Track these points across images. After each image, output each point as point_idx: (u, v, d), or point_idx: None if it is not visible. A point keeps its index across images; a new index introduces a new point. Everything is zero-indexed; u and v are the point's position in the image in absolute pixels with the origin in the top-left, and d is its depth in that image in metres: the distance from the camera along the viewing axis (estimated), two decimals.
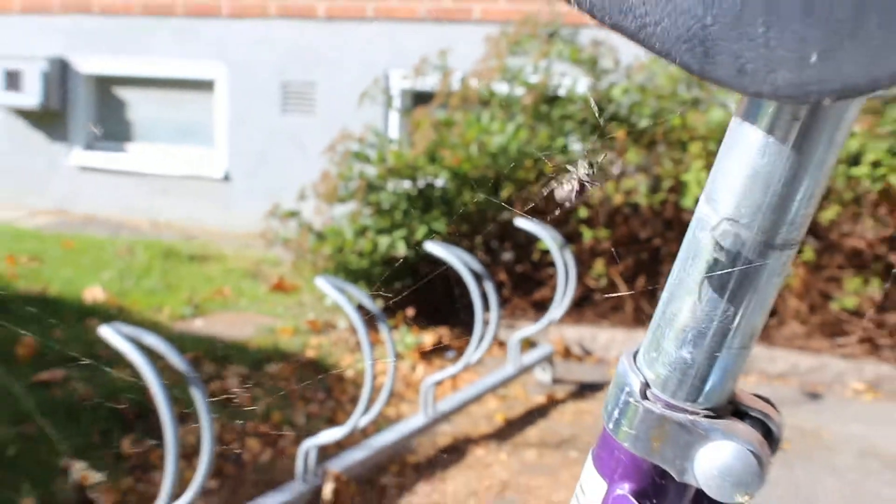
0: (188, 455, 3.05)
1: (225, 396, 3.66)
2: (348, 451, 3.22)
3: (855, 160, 4.33)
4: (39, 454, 3.12)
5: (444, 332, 4.66)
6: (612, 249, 4.80)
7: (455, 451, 3.53)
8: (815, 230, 4.47)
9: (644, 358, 0.55)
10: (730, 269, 0.49)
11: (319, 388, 4.02)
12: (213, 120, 7.34)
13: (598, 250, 4.82)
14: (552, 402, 4.09)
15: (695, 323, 0.51)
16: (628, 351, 0.57)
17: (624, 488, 0.56)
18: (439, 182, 4.89)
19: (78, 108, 7.62)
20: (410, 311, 4.75)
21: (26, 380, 3.70)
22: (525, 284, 4.98)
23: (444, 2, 6.52)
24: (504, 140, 4.80)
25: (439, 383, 3.61)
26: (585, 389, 4.26)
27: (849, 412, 4.09)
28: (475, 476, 3.32)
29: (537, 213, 4.75)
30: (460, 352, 4.38)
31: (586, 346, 4.71)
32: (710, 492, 0.52)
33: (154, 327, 4.48)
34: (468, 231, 4.94)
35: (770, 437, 0.54)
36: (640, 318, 4.81)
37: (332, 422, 3.60)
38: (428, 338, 4.56)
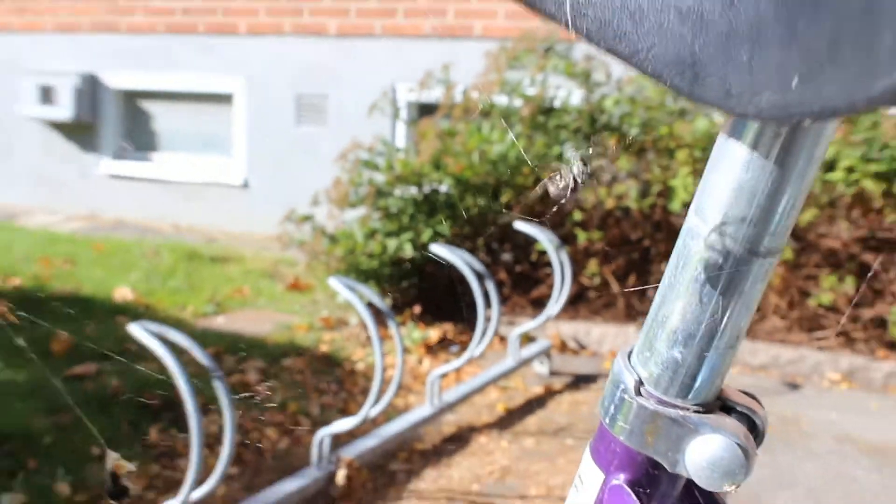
0: (210, 444, 3.05)
1: (247, 394, 3.66)
2: (360, 439, 3.22)
3: (830, 166, 4.33)
4: (73, 443, 3.12)
5: (448, 328, 4.66)
6: (605, 250, 4.80)
7: (459, 439, 3.53)
8: (793, 231, 4.45)
9: (638, 357, 0.55)
10: (717, 275, 0.49)
11: (333, 380, 4.02)
12: (232, 131, 7.34)
13: (592, 251, 4.82)
14: (550, 393, 4.09)
15: (685, 325, 0.51)
16: (623, 350, 0.57)
17: (620, 479, 0.56)
18: (443, 188, 4.89)
19: (107, 120, 7.63)
20: (417, 309, 4.75)
21: (61, 373, 3.70)
22: (524, 283, 4.98)
23: (448, 19, 6.52)
24: (503, 148, 4.80)
25: (444, 376, 3.60)
26: (581, 381, 4.26)
27: (826, 401, 4.09)
28: (478, 462, 3.32)
29: (535, 216, 4.75)
30: (464, 346, 4.38)
31: (581, 341, 4.71)
32: (700, 482, 0.52)
33: (178, 324, 4.48)
34: (470, 233, 4.94)
35: (755, 431, 0.55)
36: (631, 314, 4.80)
37: (344, 412, 3.60)
38: (434, 333, 4.56)
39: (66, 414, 3.32)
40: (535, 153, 4.84)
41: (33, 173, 7.92)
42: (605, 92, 4.98)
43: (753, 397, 0.56)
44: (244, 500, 2.78)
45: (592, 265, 4.76)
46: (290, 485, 2.86)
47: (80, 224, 7.30)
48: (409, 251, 4.65)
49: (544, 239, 4.09)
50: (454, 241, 4.68)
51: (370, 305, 2.99)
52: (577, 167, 0.58)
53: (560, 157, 4.88)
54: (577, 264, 4.68)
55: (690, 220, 0.50)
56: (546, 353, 4.31)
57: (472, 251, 4.65)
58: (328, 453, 2.99)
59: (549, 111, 5.02)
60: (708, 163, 0.49)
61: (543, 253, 4.62)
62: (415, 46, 6.58)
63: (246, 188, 7.25)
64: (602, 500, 0.58)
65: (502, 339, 4.45)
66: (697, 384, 0.53)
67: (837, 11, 0.35)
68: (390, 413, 3.49)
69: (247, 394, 3.65)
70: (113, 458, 1.14)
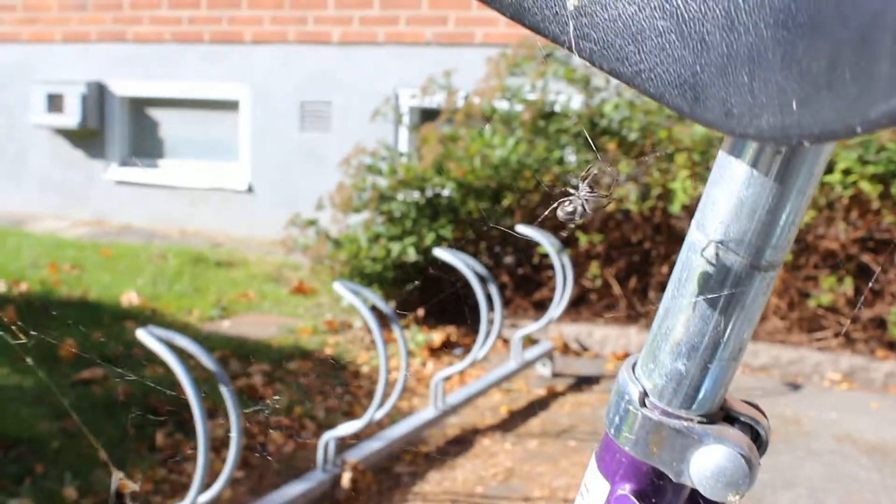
0: (216, 447, 3.02)
1: (253, 399, 3.64)
2: (365, 442, 3.20)
3: (828, 168, 4.30)
4: (80, 448, 3.10)
5: (451, 331, 4.64)
6: (607, 252, 4.78)
7: (463, 442, 3.51)
8: None
9: (642, 369, 0.55)
10: (719, 289, 0.49)
11: (337, 383, 4.00)
12: (237, 137, 7.33)
13: (593, 253, 4.80)
14: (552, 395, 4.06)
15: (688, 337, 0.52)
16: (627, 362, 0.57)
17: (625, 489, 0.56)
18: (446, 192, 4.88)
19: (114, 127, 7.61)
20: (421, 312, 4.73)
21: (68, 378, 3.68)
22: (526, 286, 4.96)
23: (449, 27, 6.50)
24: (505, 153, 4.78)
25: (448, 378, 3.59)
26: (583, 382, 4.23)
27: (826, 401, 4.06)
28: (482, 464, 3.30)
29: (536, 219, 4.73)
30: (467, 349, 4.36)
31: (583, 343, 4.68)
32: (705, 491, 0.52)
33: (184, 328, 4.46)
34: (473, 237, 4.92)
35: (758, 441, 0.55)
36: (632, 316, 4.78)
37: (349, 415, 3.57)
38: (437, 336, 4.54)
39: (72, 419, 3.29)
40: (535, 157, 4.82)
41: (41, 180, 7.91)
42: (604, 96, 4.97)
43: (756, 407, 0.56)
44: (250, 503, 2.75)
45: (594, 267, 4.73)
46: (295, 488, 2.84)
47: (87, 229, 7.29)
48: (412, 255, 4.64)
49: (546, 242, 4.07)
50: (457, 244, 4.66)
51: (374, 309, 2.97)
52: (584, 190, 0.58)
53: (561, 161, 4.87)
54: (579, 267, 4.65)
55: (693, 234, 0.50)
56: (548, 355, 4.29)
57: (475, 254, 4.63)
58: (333, 456, 2.97)
59: (549, 116, 5.00)
60: (709, 179, 0.49)
61: (545, 256, 4.60)
62: (417, 53, 6.56)
63: (251, 193, 7.24)
64: None
65: (505, 342, 4.43)
66: (701, 395, 0.53)
67: (835, 39, 0.36)
68: (395, 416, 3.46)
69: (252, 398, 3.63)
70: (118, 477, 1.12)
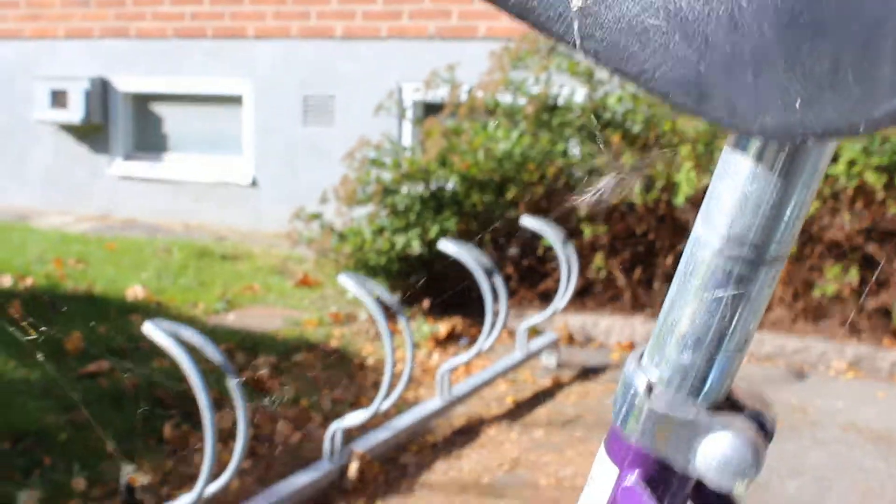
0: (223, 438, 3.02)
1: (259, 391, 3.65)
2: (371, 432, 3.20)
3: (833, 160, 4.29)
4: (88, 439, 3.10)
5: (457, 322, 4.64)
6: (611, 244, 4.78)
7: (469, 432, 3.51)
8: None
9: (649, 360, 0.55)
10: (724, 282, 0.50)
11: (343, 375, 4.00)
12: (241, 131, 7.33)
13: (598, 245, 4.80)
14: (558, 385, 4.07)
15: (694, 330, 0.52)
16: (634, 354, 0.57)
17: (633, 478, 0.56)
18: (450, 185, 4.88)
19: (118, 122, 7.61)
20: (426, 303, 4.73)
21: (74, 372, 3.68)
22: (531, 277, 4.96)
23: (452, 20, 6.50)
24: (509, 146, 4.78)
25: (454, 369, 3.59)
26: (588, 372, 4.23)
27: (831, 389, 4.06)
28: (488, 454, 3.30)
29: (540, 211, 4.73)
30: (473, 340, 4.35)
31: (588, 333, 4.69)
32: (711, 480, 0.52)
33: (190, 321, 4.46)
34: (477, 229, 4.91)
35: (764, 430, 0.54)
36: (637, 306, 4.78)
37: (355, 405, 3.57)
38: (442, 327, 4.54)
39: (80, 411, 3.29)
40: (539, 150, 4.82)
41: (46, 175, 7.92)
42: (608, 89, 4.96)
43: (762, 396, 0.57)
44: (258, 493, 2.76)
45: (598, 259, 4.73)
46: (303, 478, 2.84)
47: (91, 224, 7.29)
48: (416, 247, 4.64)
49: (550, 234, 4.07)
50: (461, 236, 4.65)
51: (379, 300, 2.97)
52: (606, 179, 0.58)
53: (565, 154, 4.87)
54: (584, 258, 4.65)
55: (698, 229, 0.51)
56: (554, 346, 4.29)
57: (480, 246, 4.63)
58: (340, 447, 2.97)
59: (553, 109, 5.00)
60: (714, 173, 0.50)
61: (550, 248, 4.60)
62: (420, 47, 6.55)
63: (255, 187, 7.24)
64: (615, 499, 0.58)
65: (510, 333, 4.43)
66: (707, 386, 0.53)
67: (838, 41, 0.37)
68: (401, 406, 3.46)
69: (258, 390, 3.63)
70: (128, 472, 1.13)
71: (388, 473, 3.08)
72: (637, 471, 0.56)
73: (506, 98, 5.09)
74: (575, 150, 4.95)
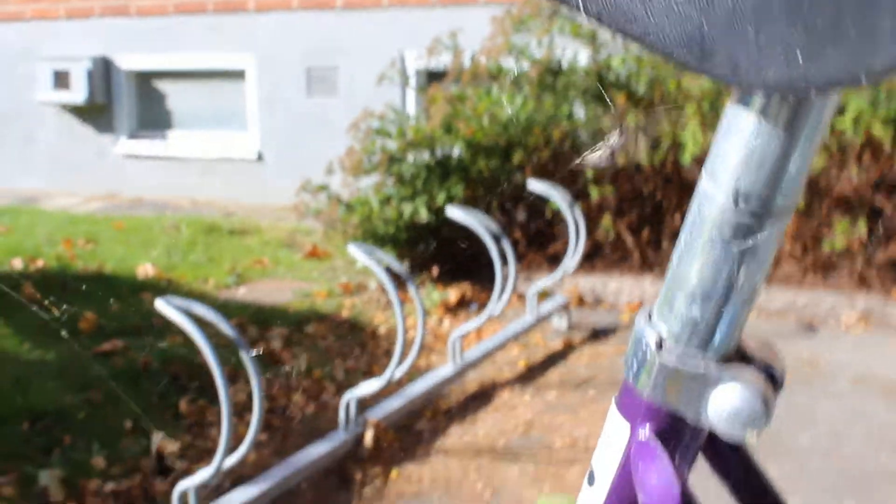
0: (239, 412, 3.05)
1: (278, 369, 3.67)
2: (385, 400, 3.22)
3: (839, 113, 4.28)
4: (106, 417, 3.13)
5: (466, 288, 4.65)
6: (619, 205, 4.78)
7: (483, 396, 3.53)
8: None
9: (658, 315, 0.56)
10: (731, 236, 0.51)
11: (355, 344, 4.02)
12: (245, 106, 7.32)
13: (605, 206, 4.80)
14: (569, 347, 4.08)
15: (702, 283, 0.53)
16: (644, 309, 0.58)
17: (646, 432, 0.58)
18: (455, 152, 4.88)
19: (121, 101, 7.61)
20: (435, 271, 4.74)
21: (89, 351, 3.71)
22: (539, 241, 4.96)
23: None
24: (513, 110, 4.77)
25: (465, 335, 3.60)
26: (599, 334, 4.25)
27: (842, 342, 4.07)
28: (502, 418, 3.32)
29: (547, 174, 4.73)
30: (483, 305, 4.37)
31: (598, 294, 4.70)
32: (722, 431, 0.53)
33: (201, 297, 4.48)
34: (484, 195, 4.92)
35: (774, 380, 0.55)
36: (646, 267, 4.78)
37: (368, 374, 3.60)
38: (452, 294, 4.56)
39: (97, 390, 3.33)
40: (544, 113, 4.81)
41: (51, 157, 7.93)
42: (611, 51, 4.94)
43: (771, 346, 0.57)
44: (275, 465, 2.79)
45: (606, 220, 4.74)
46: (319, 448, 2.87)
47: (99, 204, 7.31)
48: (424, 215, 4.64)
49: (557, 196, 4.07)
50: (468, 202, 4.66)
51: (388, 269, 2.98)
52: (614, 138, 0.59)
53: (570, 117, 4.86)
54: (591, 220, 4.65)
55: (703, 184, 0.51)
56: (564, 308, 4.31)
57: (487, 212, 4.63)
58: (355, 416, 3.00)
59: (556, 72, 4.98)
60: (718, 129, 0.50)
61: (557, 211, 4.60)
62: (421, 14, 6.53)
63: (260, 161, 7.24)
64: (629, 453, 0.59)
65: (520, 297, 4.44)
66: (717, 338, 0.54)
67: None
68: (414, 374, 3.48)
69: (272, 362, 3.66)
70: (157, 439, 1.15)
71: (403, 441, 3.10)
72: (649, 425, 0.57)
73: (509, 63, 5.07)
74: (580, 112, 4.94)
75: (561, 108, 4.84)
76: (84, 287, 4.60)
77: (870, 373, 3.69)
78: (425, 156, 4.86)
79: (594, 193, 4.70)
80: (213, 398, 2.37)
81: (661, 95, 4.71)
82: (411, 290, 3.02)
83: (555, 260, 4.75)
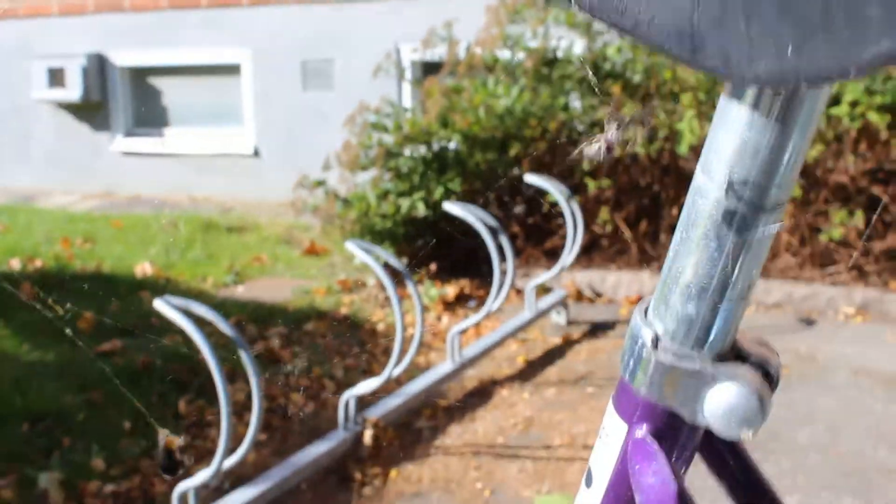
0: (238, 411, 3.06)
1: (278, 368, 3.68)
2: (385, 399, 3.23)
3: (835, 100, 4.28)
4: (105, 419, 3.14)
5: (465, 284, 4.66)
6: (616, 197, 4.78)
7: (482, 393, 3.54)
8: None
9: (654, 312, 0.56)
10: (726, 230, 0.51)
11: (354, 342, 4.03)
12: (240, 101, 7.32)
13: (603, 199, 4.80)
14: (568, 343, 4.09)
15: (697, 279, 0.53)
16: (639, 306, 0.58)
17: (642, 430, 0.58)
18: (452, 145, 4.88)
19: (116, 98, 7.61)
20: (433, 266, 4.75)
21: (89, 351, 3.72)
22: (537, 235, 4.97)
23: None
24: (509, 102, 4.77)
25: (464, 331, 3.61)
26: (598, 329, 4.26)
27: (841, 335, 4.08)
28: (502, 415, 3.33)
29: (544, 167, 4.74)
30: (481, 301, 4.38)
31: (596, 289, 4.70)
32: (718, 430, 0.54)
33: (200, 295, 4.50)
34: (481, 188, 4.92)
35: (769, 378, 0.55)
36: (644, 260, 4.79)
37: (367, 373, 3.61)
38: (450, 290, 4.56)
39: (96, 391, 3.34)
40: (540, 105, 4.81)
41: (48, 155, 7.93)
42: (607, 40, 4.94)
43: (767, 344, 0.57)
44: (275, 465, 2.80)
45: (604, 213, 4.74)
46: (319, 448, 2.88)
47: (96, 202, 7.31)
48: (421, 210, 4.65)
49: (554, 190, 4.07)
50: (466, 196, 4.66)
51: (387, 266, 2.98)
52: (611, 131, 0.60)
53: (566, 108, 4.86)
54: (589, 213, 4.66)
55: (698, 178, 0.52)
56: (562, 303, 4.31)
57: (484, 206, 4.64)
58: (354, 414, 3.01)
59: (552, 62, 4.98)
60: (712, 122, 0.51)
61: (555, 204, 4.61)
62: (416, 6, 6.52)
63: (257, 157, 7.25)
64: (626, 452, 0.60)
65: (518, 292, 4.45)
66: (712, 336, 0.54)
67: None
68: (413, 371, 3.49)
69: (271, 361, 3.67)
70: (164, 435, 1.15)
71: (403, 439, 3.11)
72: (646, 423, 0.57)
73: (504, 54, 5.07)
74: (576, 103, 4.94)
75: (557, 99, 4.84)
76: (83, 286, 4.60)
77: (868, 366, 3.70)
78: (422, 149, 4.86)
79: (591, 186, 4.70)
80: (213, 398, 2.37)
81: (656, 85, 4.71)
82: (409, 286, 3.02)
83: (553, 254, 4.76)
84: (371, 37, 6.63)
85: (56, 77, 7.44)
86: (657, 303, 0.56)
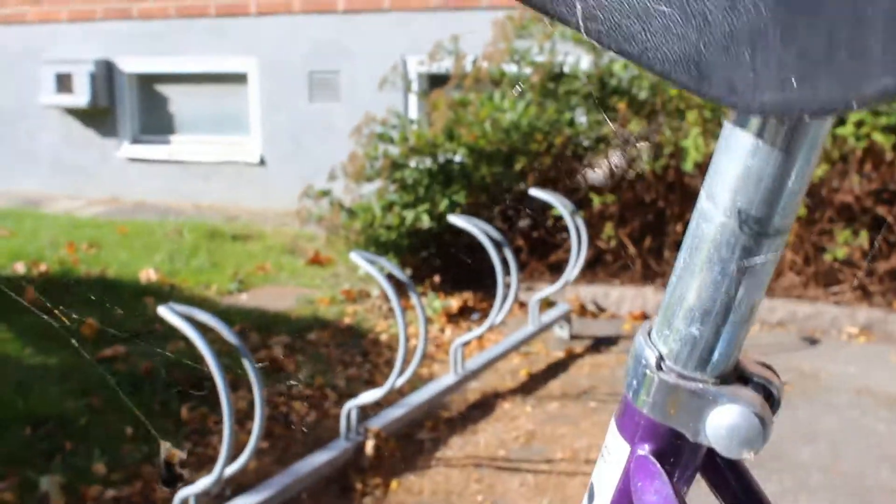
0: (240, 419, 3.07)
1: (280, 377, 3.68)
2: (387, 409, 3.24)
3: (840, 120, 4.29)
4: (107, 424, 3.15)
5: (468, 296, 4.66)
6: (620, 213, 4.79)
7: (484, 406, 3.54)
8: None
9: (657, 334, 0.57)
10: (730, 255, 0.51)
11: (357, 352, 4.03)
12: (247, 110, 7.34)
13: (607, 214, 4.81)
14: (571, 357, 4.09)
15: (701, 302, 0.53)
16: (643, 328, 0.59)
17: (644, 449, 0.58)
18: (458, 158, 4.89)
19: (124, 105, 7.63)
20: (437, 278, 4.75)
21: (92, 356, 3.73)
22: (541, 249, 4.97)
23: None
24: (515, 116, 4.78)
25: (467, 344, 3.61)
26: (601, 343, 4.26)
27: (844, 355, 4.08)
28: (503, 428, 3.33)
29: (549, 181, 4.74)
30: (484, 314, 4.38)
31: (600, 303, 4.71)
32: (721, 450, 0.54)
33: (204, 303, 4.51)
34: (486, 202, 4.93)
35: (771, 400, 0.56)
36: (648, 275, 4.79)
37: (370, 383, 3.61)
38: (454, 302, 4.57)
39: (98, 396, 3.34)
40: (546, 120, 4.82)
41: (54, 160, 7.95)
42: (613, 56, 4.95)
43: (769, 367, 0.58)
44: (277, 473, 2.80)
45: (608, 228, 4.74)
46: (320, 457, 2.88)
47: (102, 208, 7.33)
48: (426, 222, 4.65)
49: (559, 204, 4.08)
50: (470, 209, 4.67)
51: (390, 277, 2.99)
52: (615, 157, 0.60)
53: (571, 123, 4.87)
54: (593, 228, 4.66)
55: (702, 203, 0.52)
56: (566, 318, 4.32)
57: (489, 219, 4.65)
58: (356, 425, 3.01)
59: (558, 77, 4.99)
60: (716, 148, 0.51)
61: (559, 218, 4.61)
62: (423, 19, 6.54)
63: (263, 165, 7.26)
64: (628, 470, 0.60)
65: (522, 305, 4.46)
66: (715, 358, 0.54)
67: (832, 19, 0.38)
68: (415, 383, 3.50)
69: (274, 370, 3.67)
70: (166, 448, 1.16)
71: (405, 450, 3.11)
72: (649, 442, 0.58)
73: (511, 68, 5.08)
74: (582, 118, 4.95)
75: (563, 114, 4.85)
76: (87, 292, 4.61)
77: (872, 385, 3.70)
78: (428, 162, 4.87)
79: (596, 201, 4.71)
80: (215, 405, 2.38)
81: (662, 102, 4.72)
82: (413, 298, 3.03)
83: (557, 268, 4.76)
84: (378, 48, 6.65)
85: (64, 83, 7.46)
86: (661, 324, 0.56)
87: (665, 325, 0.56)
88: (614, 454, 0.61)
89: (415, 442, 3.19)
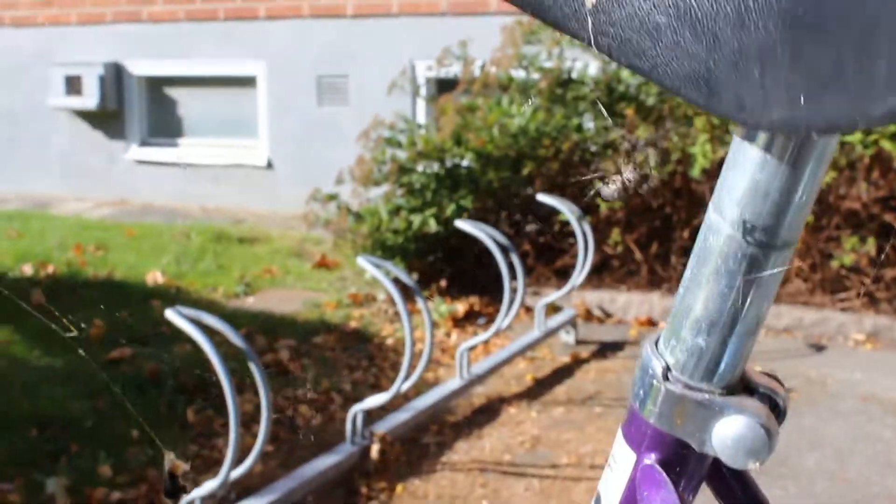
0: (246, 422, 3.06)
1: (286, 381, 3.68)
2: (392, 413, 3.23)
3: None
4: (113, 426, 3.15)
5: (475, 301, 4.66)
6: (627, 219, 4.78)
7: (489, 411, 3.54)
8: None
9: (664, 345, 0.58)
10: (737, 268, 0.52)
11: (363, 356, 4.03)
12: (255, 113, 7.34)
13: (614, 220, 4.80)
14: (577, 362, 4.09)
15: (708, 314, 0.54)
16: (650, 338, 0.60)
17: (651, 459, 0.59)
18: (465, 162, 4.89)
19: (133, 107, 7.65)
20: (443, 283, 4.75)
21: (99, 358, 3.73)
22: (548, 254, 4.97)
23: None
24: (523, 121, 4.78)
25: (473, 348, 3.61)
26: (607, 349, 4.25)
27: (850, 361, 4.06)
28: (509, 433, 3.33)
29: (556, 186, 4.74)
30: (490, 318, 4.38)
31: (606, 309, 4.70)
32: (726, 460, 0.55)
33: (210, 306, 4.51)
34: (494, 206, 4.93)
35: (777, 410, 0.57)
36: (654, 281, 4.79)
37: (375, 387, 3.61)
38: (460, 306, 4.57)
39: (104, 398, 3.34)
40: (554, 125, 4.82)
41: (63, 162, 7.96)
42: None
43: (775, 378, 0.58)
44: (282, 477, 2.80)
45: (615, 234, 4.74)
46: (325, 461, 2.88)
47: (110, 210, 7.34)
48: (433, 226, 4.65)
49: (566, 210, 4.08)
50: (477, 214, 4.67)
51: (397, 281, 2.99)
52: (628, 171, 0.61)
53: (579, 128, 4.87)
54: (600, 233, 4.66)
55: (710, 216, 0.53)
56: (572, 323, 4.31)
57: (496, 224, 4.64)
58: (362, 429, 3.01)
59: (566, 83, 4.99)
60: (725, 162, 0.52)
61: (566, 224, 4.61)
62: (432, 23, 6.54)
63: (270, 169, 7.26)
64: (635, 480, 0.60)
65: (528, 310, 4.45)
66: (721, 368, 0.55)
67: (839, 40, 0.39)
68: (421, 387, 3.49)
69: (280, 373, 3.67)
70: (170, 459, 1.16)
71: (410, 454, 3.11)
72: (655, 451, 0.58)
73: (519, 73, 5.08)
74: (589, 124, 4.95)
75: (571, 119, 4.85)
76: (94, 294, 4.62)
77: (877, 392, 3.68)
78: (435, 166, 4.87)
79: (603, 207, 4.71)
80: (221, 408, 2.38)
81: (670, 108, 4.71)
82: (420, 302, 3.03)
83: (563, 273, 4.76)
84: (386, 53, 6.65)
85: (73, 85, 7.48)
86: (668, 335, 0.57)
87: (672, 335, 0.56)
88: (621, 463, 0.61)
89: (420, 446, 3.19)
